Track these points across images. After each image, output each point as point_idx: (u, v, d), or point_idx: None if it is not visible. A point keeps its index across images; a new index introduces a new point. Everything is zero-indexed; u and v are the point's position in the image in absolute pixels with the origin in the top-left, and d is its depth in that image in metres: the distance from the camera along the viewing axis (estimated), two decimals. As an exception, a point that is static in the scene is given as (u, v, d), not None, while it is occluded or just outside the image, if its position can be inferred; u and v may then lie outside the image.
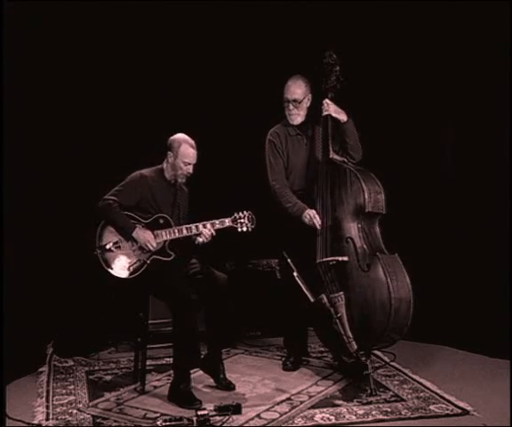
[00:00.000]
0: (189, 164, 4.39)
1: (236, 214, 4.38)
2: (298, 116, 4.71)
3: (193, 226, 4.35)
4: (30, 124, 4.92)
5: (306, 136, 4.75)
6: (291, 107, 4.68)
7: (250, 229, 4.39)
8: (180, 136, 4.42)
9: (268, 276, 5.47)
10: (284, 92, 4.69)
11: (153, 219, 4.34)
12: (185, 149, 4.37)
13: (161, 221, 4.34)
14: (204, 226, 4.33)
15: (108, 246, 4.28)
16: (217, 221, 4.37)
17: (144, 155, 4.74)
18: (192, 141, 4.41)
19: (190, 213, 4.56)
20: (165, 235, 4.32)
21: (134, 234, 4.28)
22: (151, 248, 4.29)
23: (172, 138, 4.43)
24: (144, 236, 4.28)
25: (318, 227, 4.51)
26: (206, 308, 4.40)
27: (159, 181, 4.44)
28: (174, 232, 4.33)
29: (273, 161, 4.72)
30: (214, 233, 4.34)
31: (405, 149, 5.42)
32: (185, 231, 4.34)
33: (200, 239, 4.36)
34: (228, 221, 4.38)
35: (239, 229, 4.38)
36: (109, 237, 4.30)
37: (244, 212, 4.39)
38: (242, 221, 4.37)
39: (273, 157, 4.72)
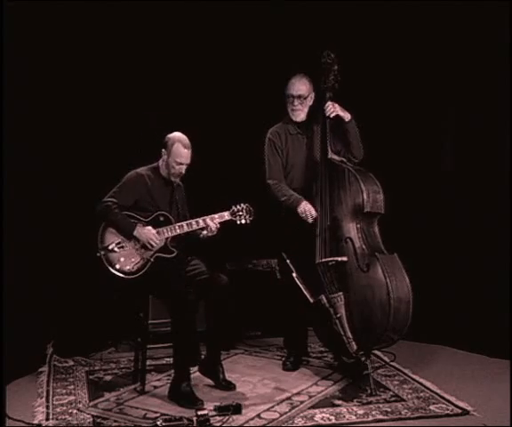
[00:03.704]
0: (181, 164, 4.34)
1: (233, 207, 4.40)
2: (302, 113, 4.69)
3: (193, 221, 4.35)
4: (30, 124, 4.92)
5: (306, 135, 4.74)
6: (296, 103, 4.65)
7: (248, 222, 4.41)
8: (175, 135, 4.38)
9: (268, 276, 5.47)
10: (287, 89, 4.67)
11: (153, 217, 4.33)
12: (178, 148, 4.32)
13: (161, 219, 4.34)
14: (204, 221, 4.34)
15: (110, 247, 4.26)
16: (216, 216, 4.37)
17: (143, 152, 4.74)
18: (186, 141, 4.34)
19: (189, 209, 4.56)
20: (167, 232, 4.31)
21: (136, 233, 4.27)
22: (154, 245, 4.28)
23: (167, 136, 4.39)
24: (146, 234, 4.27)
25: (310, 220, 4.51)
26: (206, 309, 4.40)
27: (155, 178, 4.41)
28: (175, 229, 4.32)
29: (271, 160, 4.71)
30: (219, 226, 4.34)
31: (404, 149, 5.42)
32: (186, 227, 4.33)
33: (205, 232, 4.36)
34: (226, 215, 4.39)
35: (238, 222, 4.40)
36: (111, 238, 4.28)
37: (242, 204, 4.41)
38: (240, 213, 4.39)
39: (272, 157, 4.71)
